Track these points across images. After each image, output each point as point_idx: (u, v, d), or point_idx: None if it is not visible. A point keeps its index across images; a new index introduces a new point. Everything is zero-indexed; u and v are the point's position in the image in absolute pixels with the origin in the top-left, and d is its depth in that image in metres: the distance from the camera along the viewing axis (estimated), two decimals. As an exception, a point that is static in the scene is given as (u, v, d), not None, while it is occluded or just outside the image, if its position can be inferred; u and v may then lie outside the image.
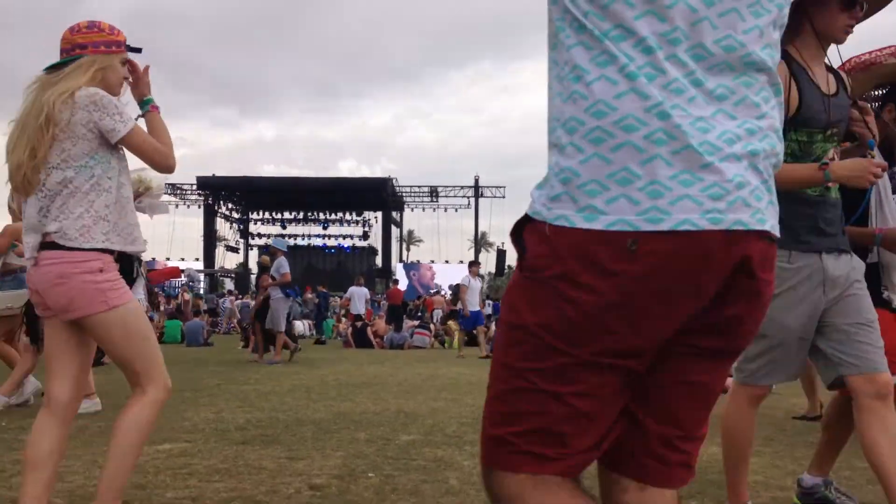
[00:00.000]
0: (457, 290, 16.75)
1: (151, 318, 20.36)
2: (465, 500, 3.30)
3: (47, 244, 2.52)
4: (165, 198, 42.43)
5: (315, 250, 43.24)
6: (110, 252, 2.56)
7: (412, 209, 43.05)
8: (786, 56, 2.58)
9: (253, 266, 44.08)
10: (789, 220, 2.41)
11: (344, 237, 42.89)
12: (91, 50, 2.62)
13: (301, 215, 41.87)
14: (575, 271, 1.19)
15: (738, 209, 1.18)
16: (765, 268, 1.25)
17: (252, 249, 44.66)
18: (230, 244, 44.50)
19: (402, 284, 35.49)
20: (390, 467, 4.00)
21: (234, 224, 44.06)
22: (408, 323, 18.93)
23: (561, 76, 1.26)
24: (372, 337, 17.24)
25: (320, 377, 9.45)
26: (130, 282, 2.79)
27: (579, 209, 1.19)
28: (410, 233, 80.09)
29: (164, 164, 2.70)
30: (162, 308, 22.96)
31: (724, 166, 1.17)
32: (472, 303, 14.17)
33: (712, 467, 4.08)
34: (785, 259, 2.58)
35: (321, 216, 41.79)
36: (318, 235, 42.95)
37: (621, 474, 1.38)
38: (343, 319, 22.00)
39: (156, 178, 3.88)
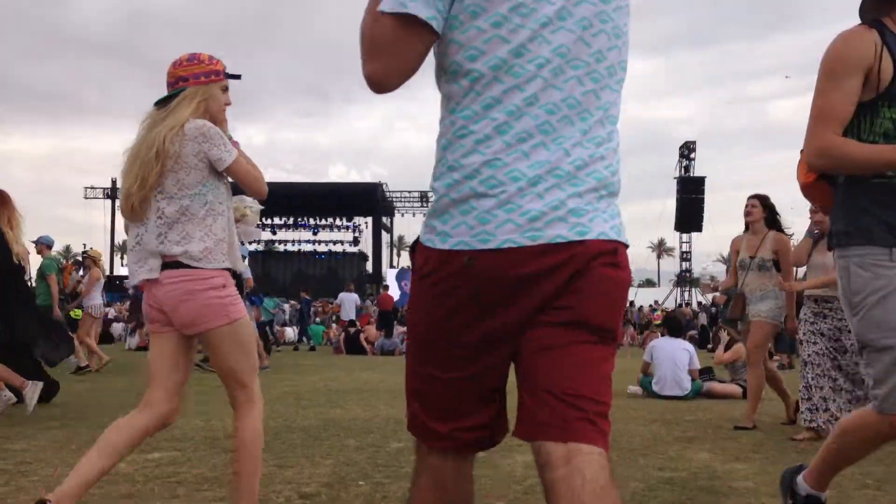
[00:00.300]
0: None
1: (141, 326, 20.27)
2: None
3: (170, 264, 2.70)
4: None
5: (305, 256, 43.13)
6: (229, 270, 2.78)
7: (402, 214, 43.05)
8: (879, 25, 2.41)
9: (244, 272, 44.04)
10: (885, 215, 2.33)
11: (334, 242, 42.80)
12: (192, 82, 2.79)
13: (291, 220, 41.74)
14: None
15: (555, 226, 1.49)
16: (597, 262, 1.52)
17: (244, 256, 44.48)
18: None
19: (393, 291, 35.45)
20: (380, 475, 3.99)
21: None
22: (398, 329, 18.88)
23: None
24: (364, 343, 17.22)
25: (310, 384, 9.42)
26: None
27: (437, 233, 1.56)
28: (401, 238, 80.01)
29: (260, 190, 2.92)
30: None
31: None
32: None
33: (702, 474, 4.10)
34: (886, 258, 2.36)
35: (311, 221, 41.70)
36: (308, 241, 42.83)
37: (540, 438, 1.48)
38: (334, 326, 21.95)
39: (252, 206, 4.01)
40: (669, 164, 33.33)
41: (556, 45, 1.48)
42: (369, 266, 42.24)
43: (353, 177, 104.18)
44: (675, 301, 36.79)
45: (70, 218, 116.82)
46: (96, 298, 10.82)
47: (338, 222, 41.82)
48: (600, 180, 1.53)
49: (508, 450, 4.82)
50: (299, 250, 43.15)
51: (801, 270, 5.94)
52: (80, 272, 11.16)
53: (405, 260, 72.46)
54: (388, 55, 1.50)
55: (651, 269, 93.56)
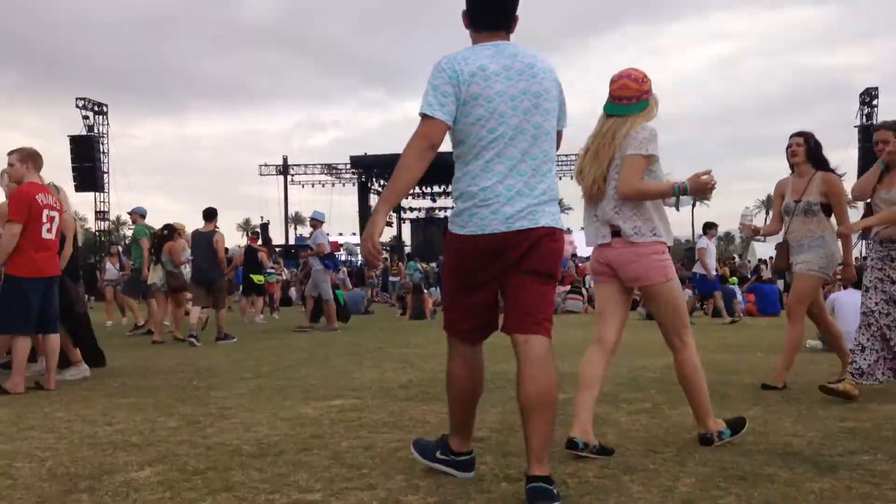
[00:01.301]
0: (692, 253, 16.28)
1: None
2: (625, 453, 3.35)
3: (617, 233, 3.49)
4: (325, 177, 43.80)
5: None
6: (663, 241, 3.51)
7: (560, 178, 42.66)
8: None
9: (406, 239, 45.40)
10: None
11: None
12: (648, 94, 3.56)
13: (449, 189, 42.41)
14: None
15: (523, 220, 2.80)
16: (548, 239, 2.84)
17: (405, 223, 45.89)
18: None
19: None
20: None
21: (386, 199, 45.31)
22: (559, 289, 18.86)
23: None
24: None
25: (476, 342, 9.67)
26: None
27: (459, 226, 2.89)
28: (560, 201, 79.45)
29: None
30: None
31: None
32: (711, 266, 13.79)
33: (887, 425, 3.90)
34: None
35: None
36: (740, 229, 43.39)
37: (513, 332, 2.84)
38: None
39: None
40: (849, 112, 30.78)
41: (511, 126, 2.80)
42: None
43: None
44: (861, 253, 34.23)
45: (247, 193, 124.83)
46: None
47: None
48: (544, 193, 2.85)
49: (680, 403, 4.79)
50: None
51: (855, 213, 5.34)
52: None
53: (565, 223, 71.80)
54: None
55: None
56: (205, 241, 10.18)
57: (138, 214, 11.65)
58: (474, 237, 2.79)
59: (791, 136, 5.43)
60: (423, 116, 2.75)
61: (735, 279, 19.41)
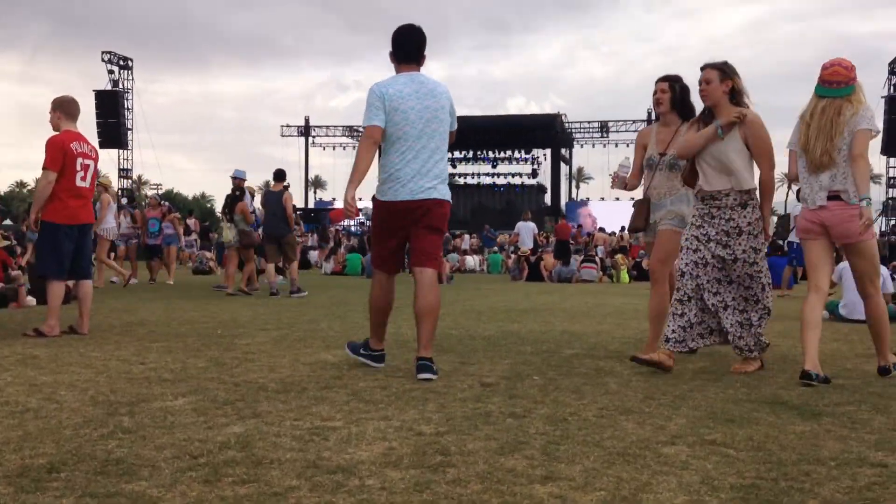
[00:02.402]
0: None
1: (335, 253, 21.81)
2: (623, 399, 3.57)
3: (833, 197, 4.13)
4: (346, 140, 43.92)
5: (484, 189, 43.88)
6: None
7: (581, 146, 42.54)
8: None
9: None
10: None
11: (513, 175, 43.14)
12: (855, 80, 4.19)
13: (470, 154, 42.46)
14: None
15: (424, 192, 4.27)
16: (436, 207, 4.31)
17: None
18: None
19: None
20: (554, 372, 4.34)
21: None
22: (576, 258, 19.03)
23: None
24: (542, 270, 17.57)
25: (490, 304, 9.93)
26: None
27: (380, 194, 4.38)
28: (580, 170, 78.99)
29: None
30: (343, 244, 24.44)
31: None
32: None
33: (877, 382, 4.10)
34: None
35: (490, 154, 42.19)
36: (486, 174, 43.44)
37: (414, 266, 4.30)
38: (511, 255, 22.48)
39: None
40: (876, 82, 30.39)
41: (420, 126, 4.24)
42: (548, 198, 42.29)
43: (533, 108, 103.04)
44: (880, 229, 34.03)
45: (268, 154, 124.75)
46: (110, 222, 11.98)
47: (516, 155, 42.04)
48: (437, 176, 4.28)
49: (679, 360, 5.01)
50: (478, 183, 43.93)
51: None
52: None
53: (584, 192, 71.42)
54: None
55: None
56: (275, 199, 11.02)
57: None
58: (390, 202, 4.28)
59: (657, 82, 4.98)
60: (367, 126, 4.25)
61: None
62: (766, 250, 4.66)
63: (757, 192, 4.52)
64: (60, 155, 5.76)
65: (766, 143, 4.47)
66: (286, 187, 11.28)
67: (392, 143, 4.27)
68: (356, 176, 4.26)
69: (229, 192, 11.88)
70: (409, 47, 4.40)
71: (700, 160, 4.53)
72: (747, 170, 4.47)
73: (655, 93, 4.95)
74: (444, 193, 4.31)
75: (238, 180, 11.78)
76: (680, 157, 4.70)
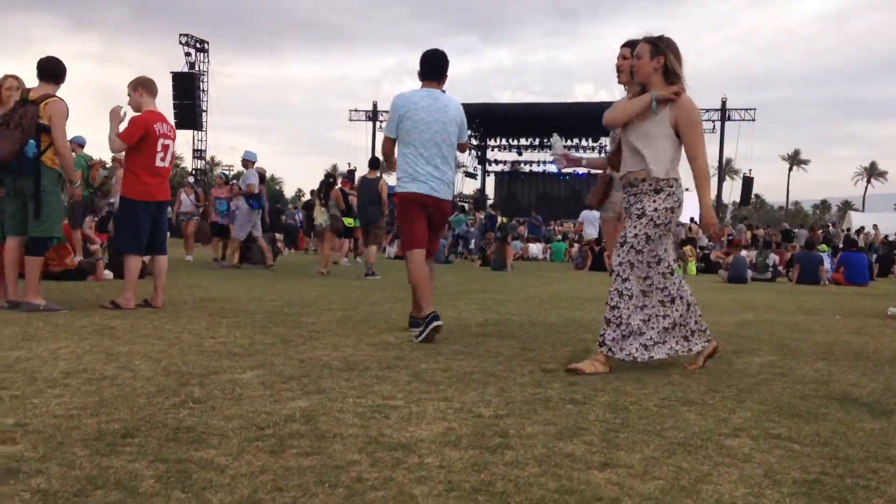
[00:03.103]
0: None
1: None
2: (686, 390, 3.53)
3: None
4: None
5: (550, 177, 43.57)
6: None
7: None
8: None
9: (490, 192, 45.51)
10: None
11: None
12: None
13: (536, 142, 42.17)
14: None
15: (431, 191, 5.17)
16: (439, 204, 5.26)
17: (489, 176, 45.89)
18: (468, 170, 46.06)
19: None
20: (615, 362, 4.30)
21: (472, 150, 45.46)
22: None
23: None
24: (606, 260, 17.38)
25: (552, 291, 9.89)
26: None
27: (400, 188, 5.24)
28: (648, 160, 77.57)
29: None
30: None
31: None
32: None
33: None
34: None
35: (557, 142, 41.74)
36: (552, 162, 43.07)
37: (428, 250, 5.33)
38: (575, 245, 22.31)
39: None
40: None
41: (429, 135, 5.09)
42: (614, 187, 41.68)
43: (601, 96, 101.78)
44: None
45: (337, 139, 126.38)
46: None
47: (583, 143, 41.55)
48: (448, 180, 5.23)
49: (747, 353, 4.91)
50: (544, 171, 43.64)
51: None
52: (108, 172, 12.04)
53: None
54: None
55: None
56: (370, 186, 11.81)
57: (77, 144, 11.07)
58: (409, 194, 5.14)
59: (622, 46, 4.58)
60: (385, 137, 5.32)
61: (825, 247, 18.90)
62: (669, 243, 4.09)
63: (677, 183, 4.02)
64: (140, 133, 5.97)
65: (699, 126, 4.03)
66: (380, 175, 12.07)
67: (406, 145, 5.14)
68: (391, 168, 5.49)
69: (323, 178, 12.89)
70: (432, 67, 5.25)
71: (624, 137, 4.14)
72: (669, 157, 3.99)
73: (617, 59, 4.55)
74: (449, 194, 5.31)
75: (248, 160, 12.70)
76: (607, 125, 4.25)
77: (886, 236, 26.71)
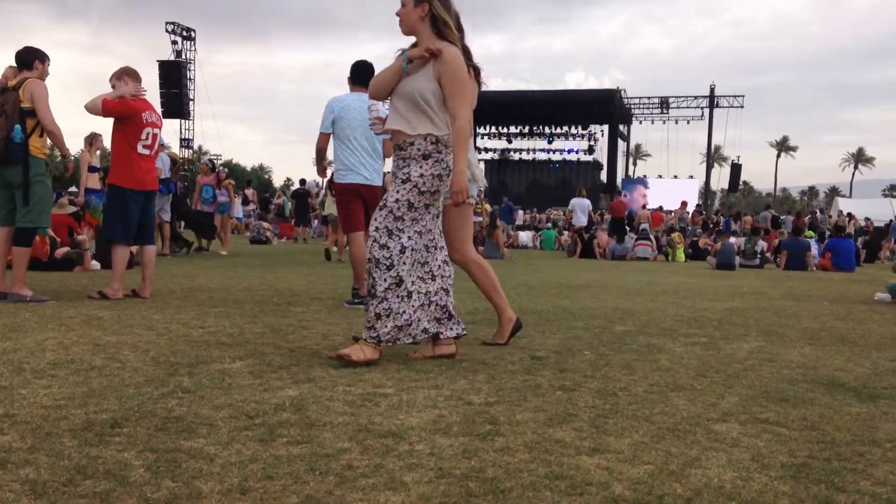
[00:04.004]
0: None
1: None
2: (675, 376, 3.54)
3: None
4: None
5: (540, 165, 43.54)
6: None
7: (640, 122, 41.83)
8: None
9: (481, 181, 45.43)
10: None
11: (569, 151, 42.65)
12: None
13: (526, 129, 42.11)
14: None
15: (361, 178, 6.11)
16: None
17: (479, 164, 45.76)
18: (458, 158, 45.92)
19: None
20: (605, 348, 4.32)
21: (462, 138, 45.30)
22: (632, 236, 18.82)
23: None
24: (596, 248, 17.44)
25: (542, 279, 9.90)
26: None
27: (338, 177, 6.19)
28: (638, 147, 77.77)
29: None
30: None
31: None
32: None
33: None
34: None
35: (546, 130, 41.77)
36: (542, 150, 43.05)
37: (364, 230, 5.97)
38: (565, 232, 22.35)
39: None
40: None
41: (360, 132, 5.99)
42: (604, 175, 41.77)
43: (592, 84, 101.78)
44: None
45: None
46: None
47: (573, 131, 41.55)
48: (378, 170, 6.15)
49: (735, 338, 4.94)
50: (534, 159, 43.60)
51: None
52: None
53: (641, 169, 70.27)
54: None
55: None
56: None
57: None
58: (348, 184, 6.05)
59: None
60: (321, 133, 6.14)
61: (812, 233, 19.00)
62: (435, 210, 3.80)
63: (447, 150, 3.77)
64: (124, 112, 5.94)
65: (462, 83, 3.70)
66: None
67: (341, 141, 6.03)
68: (319, 159, 6.58)
69: (332, 172, 13.20)
70: (360, 75, 6.12)
71: (391, 100, 3.85)
72: (438, 115, 3.73)
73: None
74: (379, 182, 6.19)
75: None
76: (372, 98, 4.05)
77: (870, 223, 26.87)
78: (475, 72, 3.94)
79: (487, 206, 25.87)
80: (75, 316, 4.98)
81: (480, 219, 23.69)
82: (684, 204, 28.73)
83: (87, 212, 10.93)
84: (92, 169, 11.18)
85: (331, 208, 13.47)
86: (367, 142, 6.02)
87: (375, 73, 3.95)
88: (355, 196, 6.05)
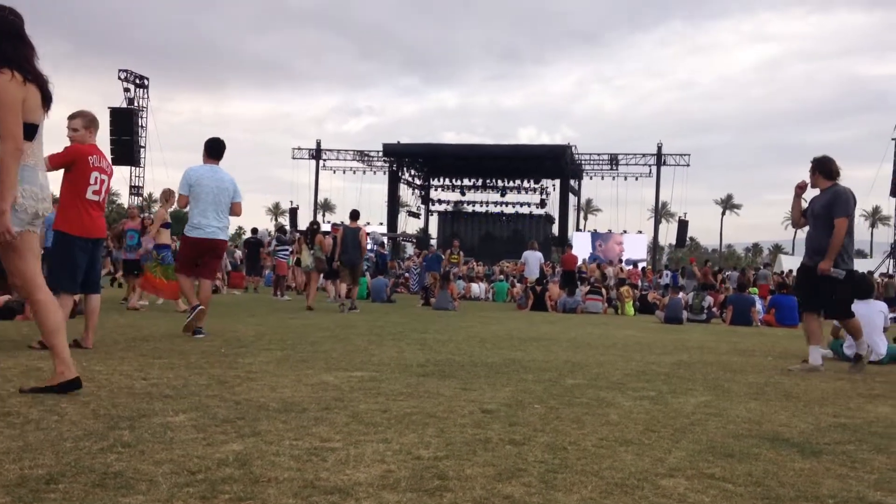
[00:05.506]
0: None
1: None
2: (624, 431, 3.56)
3: None
4: (356, 164, 44.81)
5: (492, 217, 43.97)
6: None
7: (591, 177, 42.63)
8: None
9: (433, 231, 45.66)
10: None
11: (521, 205, 43.23)
12: None
13: (479, 182, 42.63)
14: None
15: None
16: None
17: (432, 215, 46.11)
18: (412, 209, 46.19)
19: (585, 252, 35.46)
20: (555, 402, 4.33)
21: (415, 190, 45.66)
22: (582, 288, 19.02)
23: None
24: (547, 301, 17.56)
25: (493, 332, 9.92)
26: None
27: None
28: (589, 202, 79.20)
29: None
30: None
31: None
32: None
33: (878, 423, 4.09)
34: None
35: (499, 183, 42.33)
36: (495, 203, 43.55)
37: (199, 277, 7.77)
38: (517, 284, 22.48)
39: None
40: (886, 125, 30.46)
41: (211, 197, 7.56)
42: (555, 229, 42.33)
43: (543, 139, 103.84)
44: (888, 270, 33.97)
45: (278, 176, 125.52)
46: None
47: (525, 184, 42.18)
48: (222, 227, 7.70)
49: (682, 393, 5.00)
50: (486, 212, 44.03)
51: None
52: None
53: (592, 223, 71.41)
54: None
55: (863, 240, 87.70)
56: (352, 234, 13.76)
57: None
58: (191, 238, 7.57)
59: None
60: (178, 195, 7.61)
61: (755, 289, 19.45)
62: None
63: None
64: (69, 161, 5.74)
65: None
66: (359, 226, 14.14)
67: (196, 203, 7.50)
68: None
69: (308, 224, 15.89)
70: (214, 150, 7.77)
71: None
72: None
73: None
74: (226, 236, 7.87)
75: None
76: None
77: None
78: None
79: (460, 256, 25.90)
80: (14, 367, 4.81)
81: (456, 269, 23.67)
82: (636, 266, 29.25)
83: (158, 267, 11.27)
84: (165, 225, 11.63)
85: (307, 259, 14.92)
86: (214, 205, 7.56)
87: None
88: (194, 249, 7.61)
